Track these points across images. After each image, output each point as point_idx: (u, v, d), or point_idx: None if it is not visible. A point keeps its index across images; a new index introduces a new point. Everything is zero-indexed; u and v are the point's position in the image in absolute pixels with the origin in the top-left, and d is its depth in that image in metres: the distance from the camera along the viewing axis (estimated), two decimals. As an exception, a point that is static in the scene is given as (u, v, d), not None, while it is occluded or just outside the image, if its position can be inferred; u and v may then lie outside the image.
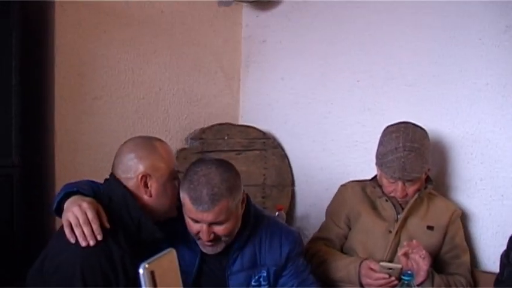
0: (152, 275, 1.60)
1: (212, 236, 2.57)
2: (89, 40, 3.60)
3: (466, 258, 3.28)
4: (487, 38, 3.37)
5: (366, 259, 3.09)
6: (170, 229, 2.67)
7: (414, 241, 2.98)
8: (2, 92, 3.14)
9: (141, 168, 2.57)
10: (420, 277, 2.95)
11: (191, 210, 2.54)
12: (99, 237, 2.35)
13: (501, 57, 3.33)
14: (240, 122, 4.37)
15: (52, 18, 3.48)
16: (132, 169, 2.57)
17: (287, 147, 4.21)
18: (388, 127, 3.24)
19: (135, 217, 2.53)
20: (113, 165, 2.65)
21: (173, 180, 2.66)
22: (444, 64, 3.50)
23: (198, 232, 2.58)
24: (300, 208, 4.17)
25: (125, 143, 2.68)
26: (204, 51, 4.21)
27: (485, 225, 3.43)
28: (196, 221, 2.56)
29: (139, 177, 2.56)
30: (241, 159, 4.05)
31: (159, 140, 2.73)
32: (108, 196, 2.56)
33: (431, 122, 3.47)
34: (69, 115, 3.56)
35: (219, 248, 2.64)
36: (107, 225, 2.41)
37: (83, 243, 2.33)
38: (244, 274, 2.76)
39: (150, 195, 2.59)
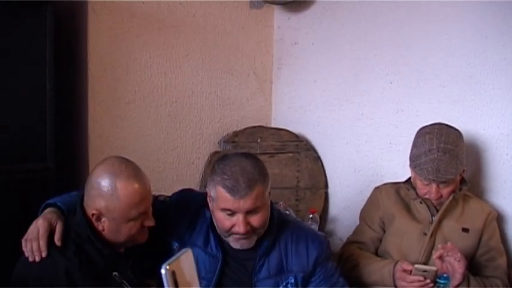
0: (174, 275, 1.61)
1: (249, 227, 2.59)
2: (121, 45, 3.64)
3: (503, 260, 3.24)
4: (522, 38, 3.35)
5: (399, 261, 3.08)
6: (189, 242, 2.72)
7: (449, 243, 2.95)
8: (37, 97, 3.19)
9: (96, 204, 2.53)
10: (456, 280, 2.92)
11: (227, 201, 2.56)
12: (43, 254, 2.44)
13: (537, 57, 3.32)
14: (273, 125, 4.37)
15: (85, 23, 3.53)
16: (91, 199, 2.54)
17: (320, 150, 4.21)
18: (421, 128, 3.22)
19: (93, 242, 2.55)
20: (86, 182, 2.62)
21: (130, 221, 2.57)
22: (477, 64, 3.46)
23: (232, 226, 2.60)
24: (333, 211, 4.16)
25: (99, 165, 2.59)
26: (235, 54, 4.22)
27: (522, 227, 3.41)
28: (232, 213, 2.58)
29: (91, 213, 2.54)
30: (274, 162, 4.05)
31: (130, 176, 2.56)
32: (74, 211, 2.60)
33: (465, 123, 3.44)
34: (103, 119, 3.60)
35: (252, 242, 2.66)
36: (58, 242, 2.48)
37: (30, 258, 2.44)
38: (272, 281, 2.74)
39: (103, 229, 2.57)
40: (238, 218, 2.57)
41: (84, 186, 2.58)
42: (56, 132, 3.25)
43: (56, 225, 2.51)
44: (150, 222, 2.60)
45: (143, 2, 3.69)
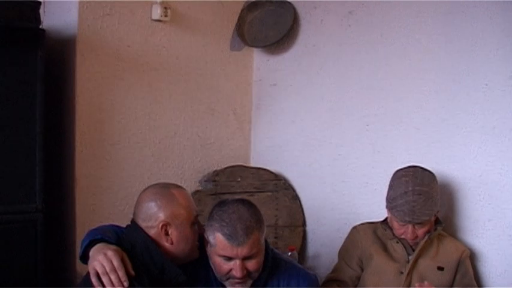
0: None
1: (245, 271, 2.66)
2: (107, 87, 3.71)
3: (476, 296, 3.37)
4: (493, 83, 3.47)
5: (379, 300, 3.17)
6: (192, 274, 2.77)
7: (426, 282, 3.04)
8: (27, 140, 3.25)
9: (161, 216, 2.68)
10: None
11: (226, 247, 2.64)
12: (126, 284, 2.46)
13: (507, 102, 3.43)
14: (252, 164, 4.45)
15: (73, 67, 3.59)
16: (153, 218, 2.68)
17: (298, 189, 4.29)
18: (397, 171, 3.34)
19: (158, 262, 2.63)
20: (134, 213, 2.76)
21: (193, 225, 2.76)
22: (451, 108, 3.59)
23: (229, 271, 2.68)
24: (312, 248, 4.24)
25: (144, 191, 2.79)
26: (216, 95, 4.30)
27: (493, 265, 3.49)
28: (229, 259, 2.66)
29: (160, 226, 2.67)
30: (254, 201, 4.00)
31: (178, 186, 2.85)
32: (131, 243, 2.66)
33: (439, 165, 3.56)
34: (89, 161, 3.66)
35: (247, 286, 2.73)
36: (132, 272, 2.52)
37: None
38: None
39: (172, 243, 2.69)
40: (236, 263, 2.65)
41: (137, 217, 2.74)
42: (45, 173, 3.31)
43: (122, 257, 2.53)
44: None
45: (129, 46, 3.78)
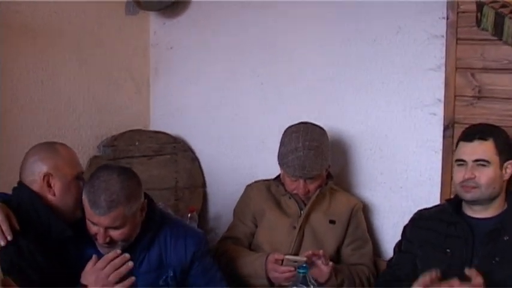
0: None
1: (108, 239, 2.68)
2: (-4, 54, 3.64)
3: (368, 248, 3.46)
4: (380, 39, 3.55)
5: (271, 253, 3.21)
6: (77, 229, 2.77)
7: (321, 251, 3.12)
8: None
9: (44, 168, 2.70)
10: (323, 278, 3.12)
11: (89, 213, 2.66)
12: (9, 238, 2.49)
13: (395, 57, 3.53)
14: (152, 128, 4.42)
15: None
16: (36, 171, 2.71)
17: (197, 151, 4.30)
18: (288, 128, 3.39)
19: (43, 217, 2.65)
20: (20, 174, 2.78)
21: (77, 180, 2.78)
22: (342, 65, 3.68)
23: (96, 234, 2.68)
24: (212, 209, 4.28)
25: (29, 149, 2.82)
26: (113, 60, 4.24)
27: (386, 217, 3.62)
28: (94, 223, 2.67)
29: (42, 177, 2.68)
30: (153, 164, 4.13)
31: (62, 143, 2.90)
32: (17, 202, 2.68)
33: (332, 121, 3.65)
34: (-21, 130, 3.59)
35: (118, 248, 2.71)
36: (17, 226, 2.55)
37: None
38: (152, 275, 2.86)
39: (54, 194, 2.71)
40: (99, 230, 2.67)
41: (22, 174, 2.77)
42: None
43: (6, 213, 2.54)
44: None
45: (17, 12, 3.69)
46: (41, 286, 2.52)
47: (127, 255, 2.64)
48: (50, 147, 2.82)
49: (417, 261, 3.05)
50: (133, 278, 2.63)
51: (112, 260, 2.61)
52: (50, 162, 2.73)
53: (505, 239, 2.87)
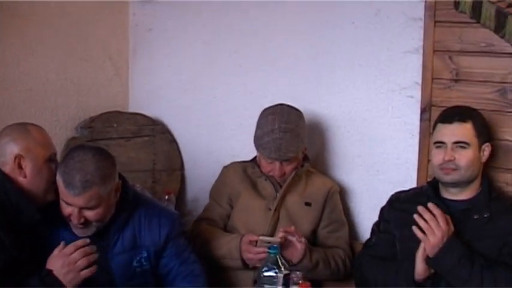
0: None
1: (82, 219, 2.66)
2: (-28, 32, 3.60)
3: (344, 231, 3.46)
4: (359, 22, 3.54)
5: (245, 234, 3.23)
6: (50, 212, 2.76)
7: (292, 228, 3.13)
8: None
9: (15, 150, 2.68)
10: (297, 257, 3.13)
11: (63, 193, 2.64)
12: None
13: (373, 39, 3.52)
14: (130, 110, 4.39)
15: None
16: (7, 152, 2.68)
17: (176, 133, 4.26)
18: (265, 110, 3.38)
19: (13, 199, 2.63)
20: None
21: (49, 162, 2.76)
22: (320, 47, 3.66)
23: (70, 215, 2.67)
24: (190, 192, 4.25)
25: (2, 130, 2.80)
26: (91, 42, 4.19)
27: (363, 200, 3.62)
28: (68, 204, 2.65)
29: (13, 158, 2.66)
30: (131, 146, 4.10)
31: (34, 124, 2.86)
32: None
33: (309, 103, 3.64)
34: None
35: (89, 232, 2.73)
36: None
37: None
38: (126, 255, 2.86)
39: (25, 176, 2.68)
40: (74, 210, 2.65)
41: None
42: None
43: None
44: None
45: (-7, -9, 3.67)
46: (4, 269, 2.50)
47: (94, 246, 2.63)
48: (22, 128, 2.79)
49: (396, 241, 3.08)
50: (95, 267, 2.62)
51: (81, 248, 2.60)
52: (22, 143, 2.70)
53: (475, 217, 2.92)
